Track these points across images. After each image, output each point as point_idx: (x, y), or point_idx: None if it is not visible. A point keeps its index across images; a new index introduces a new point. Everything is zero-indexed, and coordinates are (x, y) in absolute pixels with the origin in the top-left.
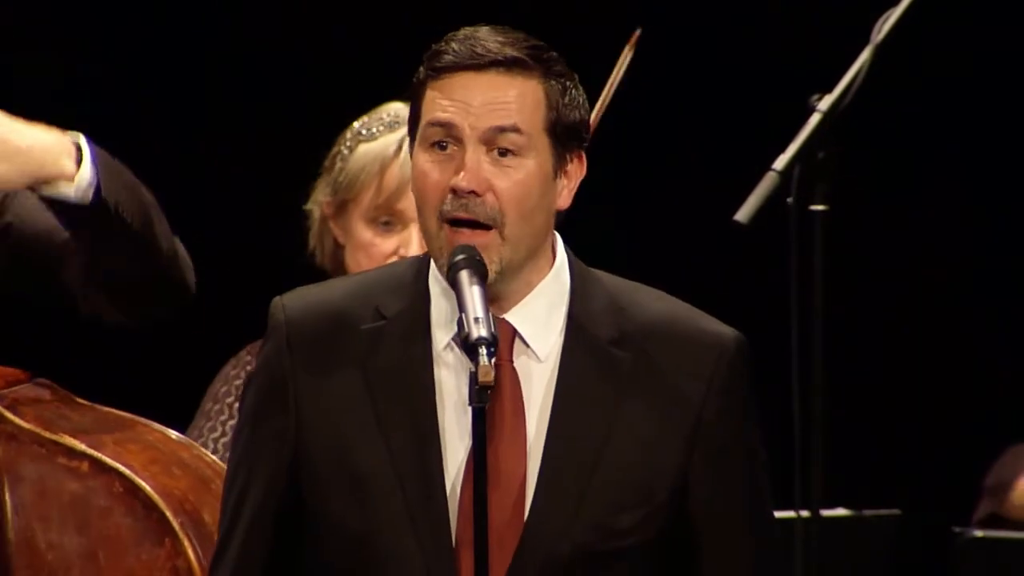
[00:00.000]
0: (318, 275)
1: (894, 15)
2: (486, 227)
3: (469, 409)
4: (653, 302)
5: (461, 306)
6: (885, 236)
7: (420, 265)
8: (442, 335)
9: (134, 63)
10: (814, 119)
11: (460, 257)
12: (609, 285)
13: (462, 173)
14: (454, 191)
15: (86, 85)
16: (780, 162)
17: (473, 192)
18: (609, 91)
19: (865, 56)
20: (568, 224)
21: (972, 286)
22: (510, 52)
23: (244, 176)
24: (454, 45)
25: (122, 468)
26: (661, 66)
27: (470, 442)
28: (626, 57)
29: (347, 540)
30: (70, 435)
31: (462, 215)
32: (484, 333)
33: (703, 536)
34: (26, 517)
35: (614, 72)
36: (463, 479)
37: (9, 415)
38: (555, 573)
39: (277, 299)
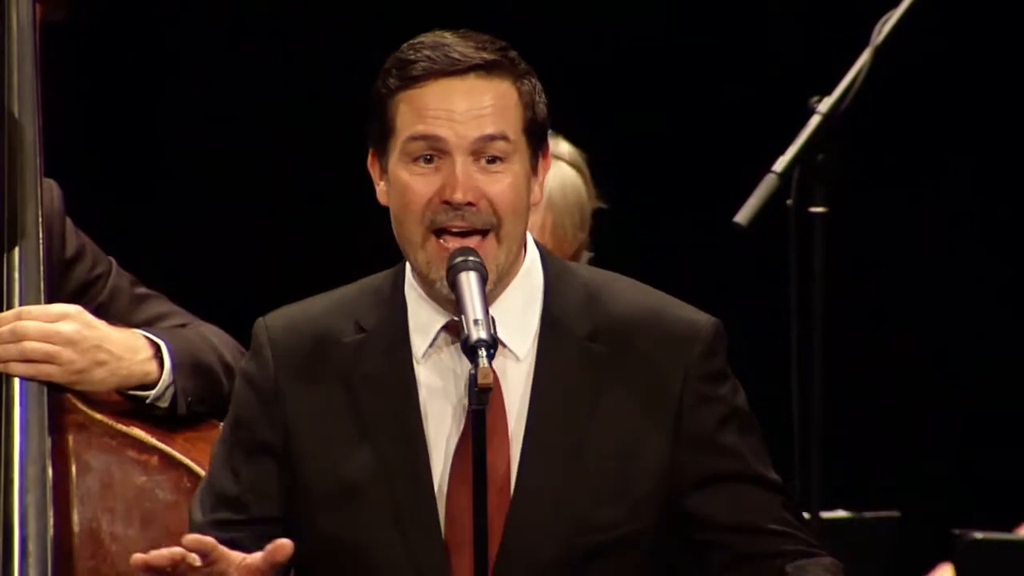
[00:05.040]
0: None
1: (894, 17)
2: (482, 232)
3: (450, 411)
4: (628, 293)
5: (461, 308)
6: (884, 238)
7: (396, 275)
8: (420, 341)
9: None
10: (814, 121)
11: (460, 259)
12: (584, 278)
13: (456, 186)
14: (448, 203)
15: (90, 89)
16: (780, 164)
17: (469, 203)
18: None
19: (865, 58)
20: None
21: (972, 288)
22: (486, 55)
23: (253, 183)
24: (425, 52)
25: (191, 464)
26: (661, 67)
27: (454, 443)
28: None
29: (338, 548)
30: (141, 429)
31: (459, 225)
32: (484, 335)
33: (722, 528)
34: (92, 508)
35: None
36: (449, 480)
37: (81, 405)
38: (539, 569)
39: (260, 319)
